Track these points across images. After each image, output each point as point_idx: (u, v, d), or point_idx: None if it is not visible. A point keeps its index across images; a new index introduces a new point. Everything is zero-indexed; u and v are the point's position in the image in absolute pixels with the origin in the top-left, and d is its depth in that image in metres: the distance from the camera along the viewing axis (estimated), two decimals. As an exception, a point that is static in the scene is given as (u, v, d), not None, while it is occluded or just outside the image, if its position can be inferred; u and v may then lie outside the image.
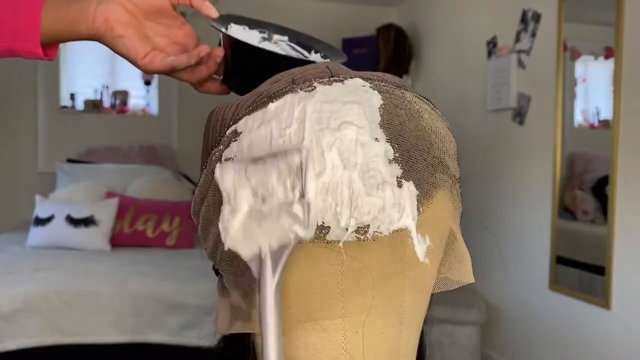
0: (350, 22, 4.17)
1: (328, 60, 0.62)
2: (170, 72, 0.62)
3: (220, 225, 0.42)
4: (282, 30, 0.64)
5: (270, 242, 0.39)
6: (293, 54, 0.62)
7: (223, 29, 0.60)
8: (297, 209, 0.39)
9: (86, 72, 4.18)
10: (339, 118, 0.43)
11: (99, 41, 0.60)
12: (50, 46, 0.61)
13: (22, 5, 0.57)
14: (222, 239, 0.41)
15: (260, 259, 0.39)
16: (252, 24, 0.63)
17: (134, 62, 0.61)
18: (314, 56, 0.64)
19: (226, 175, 0.41)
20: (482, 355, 3.04)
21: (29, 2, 0.58)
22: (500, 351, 3.04)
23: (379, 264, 0.43)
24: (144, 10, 0.61)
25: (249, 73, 0.50)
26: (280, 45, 0.64)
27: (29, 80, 3.95)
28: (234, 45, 0.60)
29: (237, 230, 0.40)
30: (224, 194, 0.41)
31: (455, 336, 2.89)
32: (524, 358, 2.86)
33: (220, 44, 0.62)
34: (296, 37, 0.64)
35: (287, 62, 0.53)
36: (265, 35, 0.63)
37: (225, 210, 0.41)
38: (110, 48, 0.61)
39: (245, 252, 0.40)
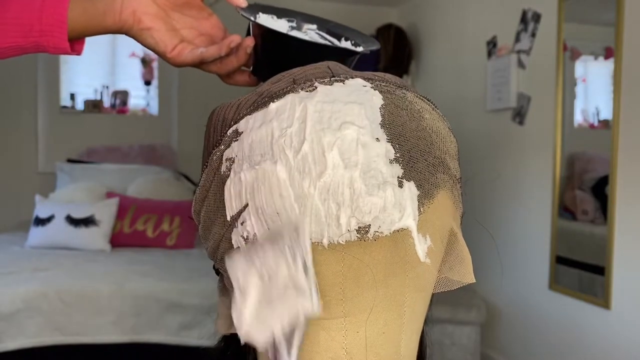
0: (350, 22, 4.14)
1: (360, 47, 0.60)
2: (200, 64, 0.61)
3: (233, 315, 0.39)
4: (310, 19, 0.63)
5: (282, 324, 0.37)
6: (323, 42, 0.61)
7: (252, 18, 0.59)
8: (301, 279, 0.38)
9: (86, 72, 4.18)
10: (340, 118, 0.43)
11: (126, 34, 0.60)
12: (77, 41, 0.61)
13: (49, 1, 0.57)
14: (236, 329, 0.39)
15: (274, 345, 0.37)
16: (279, 12, 0.62)
17: (162, 55, 0.61)
18: (345, 44, 0.62)
19: (236, 264, 0.40)
20: (482, 355, 3.04)
21: None
22: (500, 351, 3.04)
23: (380, 263, 0.43)
24: (172, 2, 0.60)
25: (280, 62, 0.49)
26: (309, 34, 0.62)
27: (29, 80, 3.95)
28: (265, 35, 0.58)
29: (251, 318, 0.38)
30: (234, 283, 0.39)
31: (455, 336, 2.89)
32: (524, 358, 2.86)
33: (249, 34, 0.60)
34: (325, 25, 0.62)
35: (319, 50, 0.52)
36: (294, 24, 0.62)
37: (237, 298, 0.39)
38: (138, 41, 0.60)
39: (261, 340, 0.38)
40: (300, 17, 0.62)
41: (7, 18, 0.57)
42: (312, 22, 0.62)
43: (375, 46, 0.61)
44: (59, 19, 0.57)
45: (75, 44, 0.61)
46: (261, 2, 0.63)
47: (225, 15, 0.68)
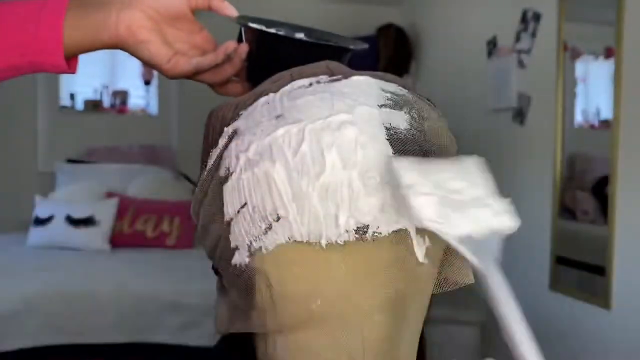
0: (350, 22, 4.16)
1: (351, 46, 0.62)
2: (195, 74, 0.62)
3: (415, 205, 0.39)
4: (298, 29, 0.64)
5: (473, 229, 0.39)
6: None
7: (251, 24, 0.60)
8: (492, 202, 0.42)
9: (86, 72, 4.17)
10: (338, 117, 0.42)
11: (122, 48, 0.60)
12: (72, 59, 0.62)
13: (44, 19, 0.57)
14: (417, 216, 0.39)
15: (473, 242, 0.39)
16: (268, 23, 0.63)
17: (158, 67, 0.61)
18: None
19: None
20: (482, 355, 3.03)
21: (50, 16, 0.58)
22: (500, 351, 3.03)
23: (379, 264, 0.43)
24: (165, 16, 0.61)
25: (275, 66, 0.51)
26: None
27: (28, 80, 3.94)
28: (259, 39, 0.60)
29: (432, 210, 0.39)
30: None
31: (455, 336, 2.88)
32: (524, 358, 2.86)
33: (242, 42, 0.62)
34: (313, 34, 0.64)
35: (313, 50, 0.53)
36: (282, 33, 0.63)
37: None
38: (134, 55, 0.61)
39: (453, 232, 0.39)
40: (287, 27, 0.63)
41: (1, 38, 0.57)
42: (300, 32, 0.63)
43: (363, 46, 0.63)
44: (55, 37, 0.57)
45: (70, 61, 0.61)
46: (249, 14, 0.64)
47: (213, 30, 0.69)
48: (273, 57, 0.57)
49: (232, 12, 0.62)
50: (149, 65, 0.61)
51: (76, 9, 0.59)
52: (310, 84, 0.46)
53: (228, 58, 0.61)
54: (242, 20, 0.61)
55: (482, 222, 0.40)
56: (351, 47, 0.59)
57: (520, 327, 0.33)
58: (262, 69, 0.57)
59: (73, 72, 0.63)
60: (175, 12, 0.62)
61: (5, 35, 0.58)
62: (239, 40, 0.62)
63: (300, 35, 0.62)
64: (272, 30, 0.60)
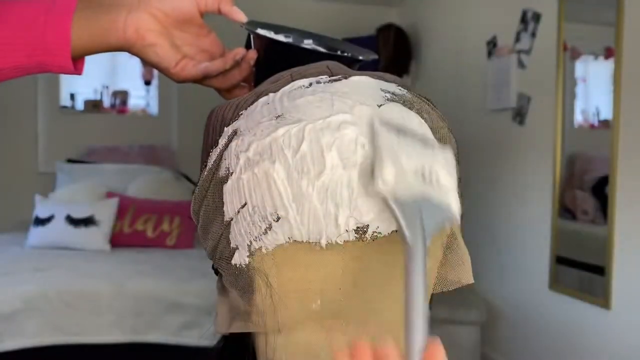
0: (350, 22, 4.16)
1: (360, 57, 0.62)
2: (203, 78, 0.62)
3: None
4: (306, 35, 0.64)
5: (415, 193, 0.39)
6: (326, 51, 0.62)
7: (260, 31, 0.60)
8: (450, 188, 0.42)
9: (86, 72, 4.08)
10: (338, 117, 0.42)
11: (129, 51, 0.60)
12: (78, 60, 0.61)
13: (51, 20, 0.57)
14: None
15: (409, 206, 0.38)
16: (277, 29, 0.63)
17: (165, 71, 0.61)
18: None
19: None
20: (482, 355, 3.04)
21: (58, 17, 0.57)
22: (500, 351, 3.03)
23: (379, 264, 0.43)
24: (173, 19, 0.61)
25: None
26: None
27: (29, 80, 3.94)
28: (268, 46, 0.60)
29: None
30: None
31: (455, 336, 2.88)
32: (524, 358, 2.86)
33: (251, 47, 0.62)
34: (322, 40, 0.64)
35: (323, 59, 0.53)
36: (291, 40, 0.63)
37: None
38: (141, 58, 0.60)
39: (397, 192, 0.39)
40: (296, 33, 0.63)
41: (9, 37, 0.57)
42: (308, 38, 0.63)
43: (373, 56, 0.62)
44: (63, 39, 0.57)
45: (75, 63, 0.61)
46: (257, 19, 0.64)
47: (220, 33, 0.69)
48: (281, 63, 0.57)
49: (241, 17, 0.62)
50: (156, 68, 0.61)
51: (84, 10, 0.58)
52: (310, 84, 0.46)
53: (236, 64, 0.61)
54: (251, 26, 0.61)
55: (428, 193, 0.39)
56: (361, 57, 0.59)
57: (419, 315, 0.33)
58: (270, 75, 0.57)
59: (79, 74, 0.62)
60: (184, 15, 0.61)
61: (13, 35, 0.57)
62: (247, 45, 0.61)
63: (308, 42, 0.62)
64: (281, 38, 0.59)
